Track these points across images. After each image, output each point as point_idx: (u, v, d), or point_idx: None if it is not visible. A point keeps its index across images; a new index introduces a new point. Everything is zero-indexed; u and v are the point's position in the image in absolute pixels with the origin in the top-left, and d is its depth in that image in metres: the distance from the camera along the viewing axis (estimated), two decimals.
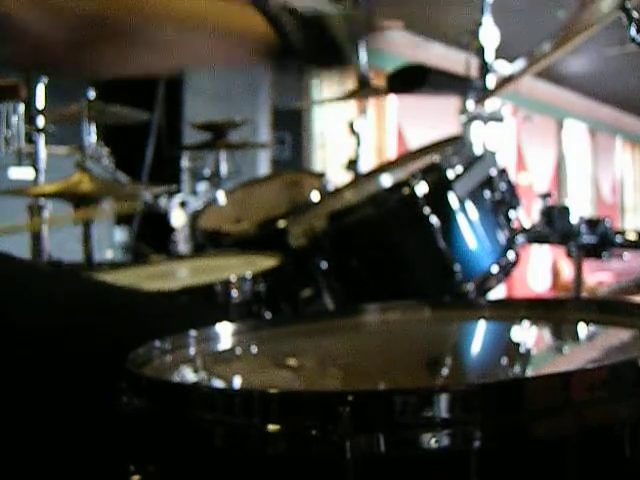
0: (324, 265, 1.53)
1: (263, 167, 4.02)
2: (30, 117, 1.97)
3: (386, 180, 1.80)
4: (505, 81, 1.87)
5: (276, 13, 1.13)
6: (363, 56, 2.65)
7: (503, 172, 1.59)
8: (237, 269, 1.59)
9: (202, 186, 2.88)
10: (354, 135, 2.70)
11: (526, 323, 0.95)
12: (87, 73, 1.08)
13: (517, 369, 0.78)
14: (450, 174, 1.47)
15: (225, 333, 0.93)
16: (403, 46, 5.95)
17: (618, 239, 1.87)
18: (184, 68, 1.19)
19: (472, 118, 2.29)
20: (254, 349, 0.93)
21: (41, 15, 0.86)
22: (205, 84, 3.69)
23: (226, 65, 1.12)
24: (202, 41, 1.04)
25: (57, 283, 1.04)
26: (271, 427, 0.58)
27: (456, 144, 1.62)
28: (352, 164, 2.68)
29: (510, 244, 1.55)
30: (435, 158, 1.49)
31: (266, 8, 1.13)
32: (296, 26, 1.15)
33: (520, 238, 1.62)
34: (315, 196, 1.97)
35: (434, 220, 1.44)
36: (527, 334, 0.95)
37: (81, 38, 0.89)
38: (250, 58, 1.13)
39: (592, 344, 0.87)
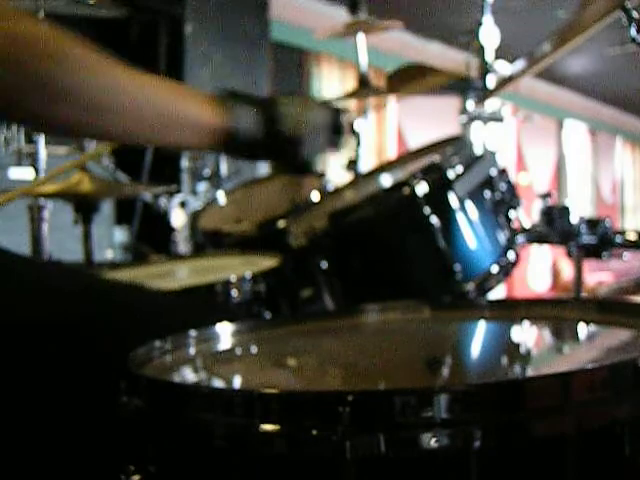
0: (324, 265, 1.52)
1: (263, 167, 4.02)
2: None
3: (386, 180, 1.80)
4: (505, 81, 1.87)
5: (235, 104, 1.10)
6: (363, 56, 2.65)
7: (503, 172, 1.59)
8: (237, 269, 1.59)
9: (202, 186, 2.87)
10: (354, 135, 2.69)
11: (526, 323, 0.95)
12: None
13: (517, 369, 0.78)
14: (450, 174, 1.47)
15: (225, 333, 0.93)
16: (403, 46, 5.95)
17: (618, 239, 1.87)
18: (126, 141, 1.17)
19: (472, 118, 2.29)
20: (254, 349, 0.93)
21: None
22: (205, 84, 3.69)
23: (171, 146, 1.13)
24: (148, 117, 1.01)
25: (58, 279, 1.04)
26: (271, 427, 0.58)
27: (456, 144, 1.62)
28: (352, 164, 2.67)
29: (510, 244, 1.55)
30: (435, 158, 1.49)
31: (226, 97, 1.12)
32: (255, 119, 1.11)
33: (520, 238, 1.62)
34: (315, 196, 1.97)
35: (434, 220, 1.44)
36: (527, 334, 0.95)
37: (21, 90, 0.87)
38: (196, 144, 1.11)
39: (592, 344, 0.87)
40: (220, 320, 0.94)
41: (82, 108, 0.94)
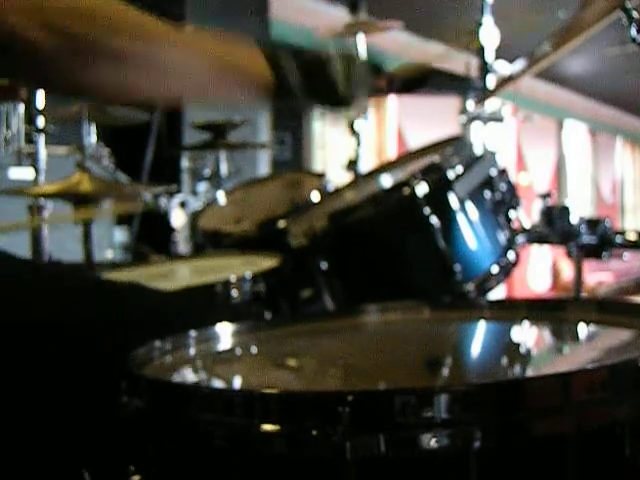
0: (324, 265, 1.52)
1: (263, 167, 4.02)
2: (30, 117, 1.98)
3: (386, 180, 1.80)
4: (505, 81, 1.87)
5: (277, 53, 1.12)
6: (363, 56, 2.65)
7: (503, 172, 1.59)
8: (237, 269, 1.59)
9: (202, 186, 2.87)
10: (354, 135, 2.70)
11: (526, 323, 0.95)
12: (81, 94, 1.09)
13: (517, 369, 0.78)
14: (450, 174, 1.47)
15: (225, 333, 0.93)
16: (403, 46, 5.95)
17: (618, 239, 1.87)
18: (180, 100, 1.20)
19: (472, 118, 2.29)
20: (254, 349, 0.93)
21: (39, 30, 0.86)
22: None
23: (224, 100, 1.17)
24: (200, 73, 1.04)
25: (57, 280, 1.04)
26: (271, 427, 0.58)
27: (456, 144, 1.62)
28: (352, 164, 2.68)
29: (510, 244, 1.55)
30: (435, 158, 1.49)
31: (267, 48, 1.13)
32: (295, 66, 1.13)
33: (520, 238, 1.62)
34: (315, 196, 1.97)
35: (434, 220, 1.44)
36: (527, 334, 0.95)
37: (75, 56, 0.90)
38: (247, 96, 1.13)
39: (592, 344, 0.87)
40: (220, 320, 0.94)
41: (141, 69, 0.97)
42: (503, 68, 2.34)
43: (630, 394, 0.60)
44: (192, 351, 0.89)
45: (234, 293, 1.44)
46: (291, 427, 0.58)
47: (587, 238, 1.87)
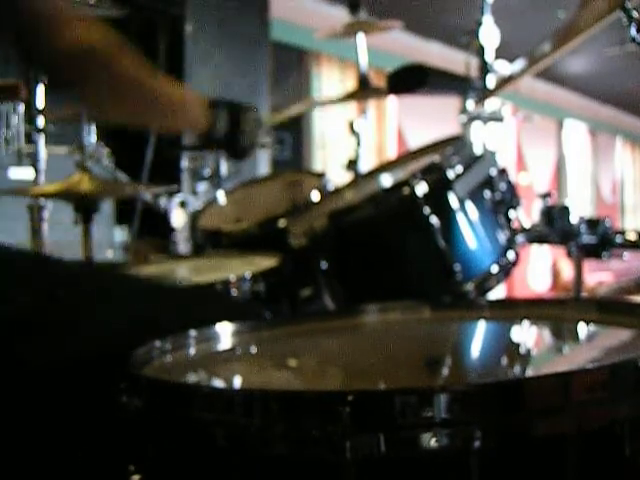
0: (324, 265, 1.52)
1: (263, 167, 4.02)
2: (30, 117, 1.97)
3: (386, 180, 1.80)
4: (505, 81, 1.87)
5: (216, 105, 1.42)
6: (363, 56, 2.65)
7: (503, 172, 1.59)
8: (237, 269, 1.59)
9: (202, 186, 2.87)
10: (354, 135, 2.69)
11: (526, 323, 0.95)
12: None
13: (517, 369, 0.78)
14: (450, 174, 1.47)
15: (225, 333, 0.93)
16: (403, 46, 5.95)
17: (618, 239, 1.87)
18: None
19: (472, 118, 2.29)
20: (254, 349, 0.93)
21: None
22: (205, 84, 3.69)
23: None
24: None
25: (58, 276, 1.04)
26: (271, 427, 0.58)
27: (456, 144, 1.62)
28: (352, 164, 2.67)
29: (510, 244, 1.55)
30: (435, 158, 1.49)
31: (210, 99, 1.43)
32: (226, 119, 1.43)
33: (520, 238, 1.62)
34: (315, 196, 1.97)
35: (434, 220, 1.44)
36: (527, 334, 0.95)
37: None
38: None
39: (592, 344, 0.87)
40: (226, 318, 0.94)
41: (117, 100, 1.27)
42: (503, 68, 2.34)
43: (630, 394, 0.60)
44: (192, 351, 0.89)
45: (234, 293, 1.44)
46: (291, 427, 0.58)
47: (587, 238, 1.87)
